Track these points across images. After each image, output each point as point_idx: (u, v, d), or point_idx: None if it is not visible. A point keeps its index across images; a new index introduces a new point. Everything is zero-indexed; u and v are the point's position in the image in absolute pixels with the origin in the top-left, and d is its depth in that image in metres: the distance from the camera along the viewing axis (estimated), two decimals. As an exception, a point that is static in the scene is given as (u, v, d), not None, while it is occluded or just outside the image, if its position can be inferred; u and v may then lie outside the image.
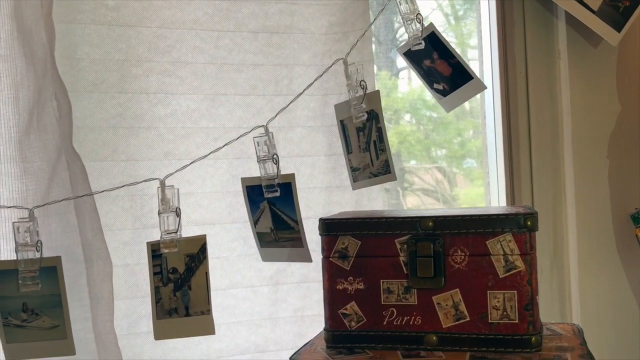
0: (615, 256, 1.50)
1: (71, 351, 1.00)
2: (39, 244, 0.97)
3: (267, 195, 1.11)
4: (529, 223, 0.91)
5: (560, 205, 1.50)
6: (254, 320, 1.30)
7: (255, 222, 1.15)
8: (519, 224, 0.91)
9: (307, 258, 1.12)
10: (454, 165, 1.70)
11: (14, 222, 0.95)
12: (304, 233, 1.10)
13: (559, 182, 1.51)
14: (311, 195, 1.34)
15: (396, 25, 1.65)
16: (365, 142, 1.19)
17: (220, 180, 1.29)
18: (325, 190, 1.36)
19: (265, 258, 1.16)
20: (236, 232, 1.30)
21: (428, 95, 1.69)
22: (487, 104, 1.58)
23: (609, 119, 1.53)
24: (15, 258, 0.97)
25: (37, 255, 0.97)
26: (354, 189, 1.23)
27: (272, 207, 1.13)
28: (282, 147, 1.31)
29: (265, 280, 1.32)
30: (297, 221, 1.10)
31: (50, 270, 0.98)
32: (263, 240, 1.15)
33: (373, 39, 1.48)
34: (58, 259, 0.98)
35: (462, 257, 0.93)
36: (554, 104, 1.52)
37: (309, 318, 1.33)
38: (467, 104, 1.72)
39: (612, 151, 1.52)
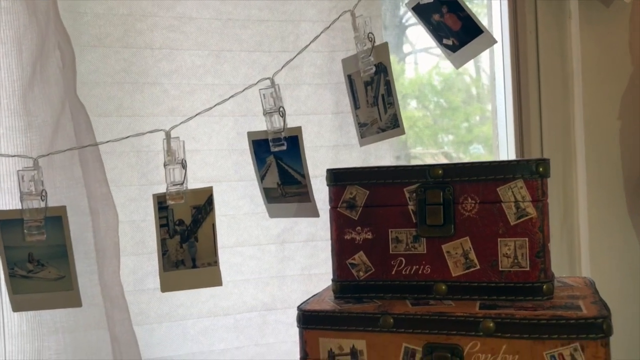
0: (626, 217, 1.48)
1: (77, 303, 0.99)
2: (43, 193, 0.96)
3: (273, 149, 1.10)
4: (541, 169, 0.89)
5: (570, 166, 1.48)
6: (262, 278, 1.30)
7: (261, 178, 1.14)
8: (530, 170, 0.89)
9: (315, 213, 1.10)
10: (461, 150, 1.69)
11: (18, 171, 0.94)
12: (311, 187, 1.09)
13: (570, 142, 1.49)
14: (318, 154, 1.33)
15: (402, 10, 1.63)
16: (373, 96, 1.17)
17: (226, 138, 1.28)
18: (332, 149, 1.34)
19: (272, 214, 1.15)
20: (242, 190, 1.29)
21: (436, 80, 1.67)
22: (496, 65, 1.56)
23: (621, 80, 1.50)
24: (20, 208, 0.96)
25: (42, 204, 0.96)
26: (361, 145, 1.21)
27: (278, 162, 1.12)
28: (288, 105, 1.29)
29: (272, 239, 1.31)
30: (304, 175, 1.09)
31: (56, 220, 0.97)
32: (270, 196, 1.14)
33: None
34: (63, 208, 0.97)
35: (473, 204, 0.92)
36: (564, 64, 1.50)
37: (316, 277, 1.32)
38: (474, 89, 1.71)
39: (623, 112, 1.50)
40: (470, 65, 1.70)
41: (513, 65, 1.49)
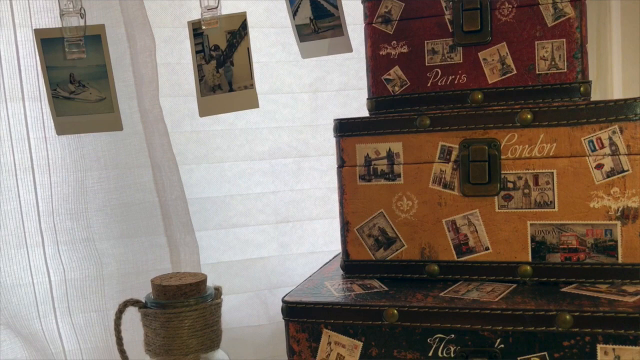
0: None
1: (118, 126, 1.02)
2: (82, 11, 0.97)
3: (305, -22, 1.09)
4: (580, -33, 0.87)
5: (605, 18, 1.44)
6: (295, 126, 1.31)
7: (293, 14, 1.13)
8: (570, -31, 0.88)
9: (348, 47, 1.11)
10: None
11: (56, -15, 0.95)
12: (344, 19, 1.09)
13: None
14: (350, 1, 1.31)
15: None
16: None
17: (257, -17, 1.27)
18: None
19: (304, 54, 1.15)
20: (275, 37, 1.29)
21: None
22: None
23: None
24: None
25: (81, 22, 0.97)
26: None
27: (310, -6, 1.11)
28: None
29: (305, 88, 1.31)
30: (337, 5, 1.08)
31: (95, 39, 0.99)
32: (302, 34, 1.13)
33: None
34: (102, 27, 0.98)
35: (510, 9, 0.91)
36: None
37: (349, 125, 1.33)
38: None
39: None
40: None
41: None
